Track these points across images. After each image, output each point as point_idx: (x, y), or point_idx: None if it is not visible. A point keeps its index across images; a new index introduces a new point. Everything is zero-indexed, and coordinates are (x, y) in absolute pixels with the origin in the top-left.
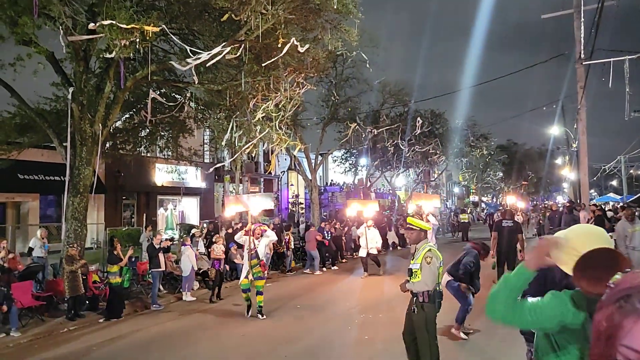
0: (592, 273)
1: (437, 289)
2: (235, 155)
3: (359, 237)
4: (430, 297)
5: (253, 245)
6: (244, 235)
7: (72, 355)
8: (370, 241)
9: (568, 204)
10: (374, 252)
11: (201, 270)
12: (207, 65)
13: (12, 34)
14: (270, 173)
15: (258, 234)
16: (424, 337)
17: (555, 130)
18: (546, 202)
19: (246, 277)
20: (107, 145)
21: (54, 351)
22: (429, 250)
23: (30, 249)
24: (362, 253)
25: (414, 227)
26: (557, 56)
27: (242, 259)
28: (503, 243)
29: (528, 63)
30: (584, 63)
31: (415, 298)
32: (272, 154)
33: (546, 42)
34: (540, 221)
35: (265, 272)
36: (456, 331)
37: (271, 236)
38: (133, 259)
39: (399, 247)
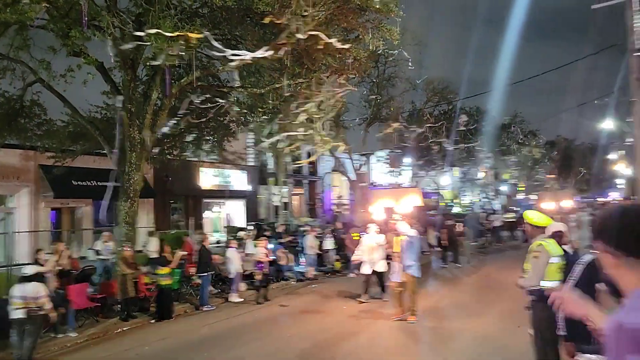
0: None
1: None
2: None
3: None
4: (542, 296)
5: None
6: None
7: (125, 354)
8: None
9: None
10: (381, 269)
11: (247, 272)
12: (248, 68)
13: (63, 46)
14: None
15: None
16: (534, 337)
17: (608, 124)
18: (598, 199)
19: None
20: (155, 150)
21: (108, 350)
22: (539, 244)
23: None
24: (366, 270)
25: (527, 223)
26: (608, 47)
27: (288, 261)
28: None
29: (570, 53)
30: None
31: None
32: (314, 155)
33: (591, 31)
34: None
35: None
36: None
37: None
38: (182, 262)
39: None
